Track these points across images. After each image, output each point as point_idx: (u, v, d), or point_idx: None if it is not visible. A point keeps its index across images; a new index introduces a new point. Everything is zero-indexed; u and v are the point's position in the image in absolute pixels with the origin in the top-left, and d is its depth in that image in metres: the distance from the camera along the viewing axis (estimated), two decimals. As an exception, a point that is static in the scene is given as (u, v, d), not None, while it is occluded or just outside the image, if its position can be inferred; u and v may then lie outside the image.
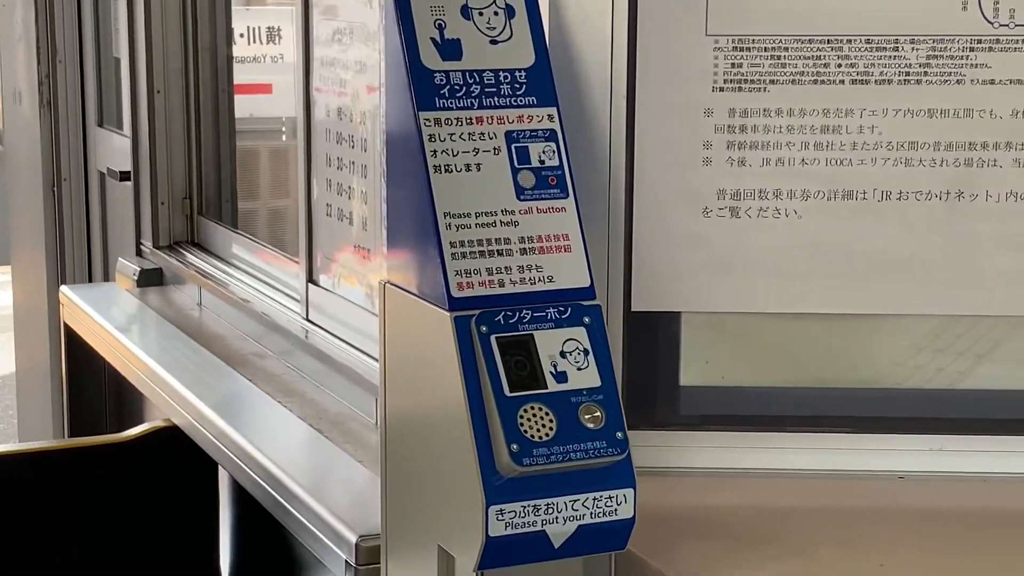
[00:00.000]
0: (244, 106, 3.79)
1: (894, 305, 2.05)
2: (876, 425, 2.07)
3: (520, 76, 1.71)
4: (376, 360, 1.88)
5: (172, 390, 2.75)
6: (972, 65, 2.00)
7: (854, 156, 2.01)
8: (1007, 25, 1.99)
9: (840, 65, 2.00)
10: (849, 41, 2.00)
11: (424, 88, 1.67)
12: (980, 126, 2.01)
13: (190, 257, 3.50)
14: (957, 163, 2.01)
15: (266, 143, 3.85)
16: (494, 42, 1.72)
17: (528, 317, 1.65)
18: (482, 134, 1.68)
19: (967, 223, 2.02)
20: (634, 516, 1.64)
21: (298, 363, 2.84)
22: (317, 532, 2.09)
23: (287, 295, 3.00)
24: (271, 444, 2.39)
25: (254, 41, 4.07)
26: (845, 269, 2.03)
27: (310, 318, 2.84)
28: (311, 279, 2.84)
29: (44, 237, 4.43)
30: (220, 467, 2.69)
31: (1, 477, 2.68)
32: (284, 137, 3.89)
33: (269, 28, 4.08)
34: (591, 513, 1.62)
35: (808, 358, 2.12)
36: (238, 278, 3.25)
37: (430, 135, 1.66)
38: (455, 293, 1.63)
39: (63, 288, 3.57)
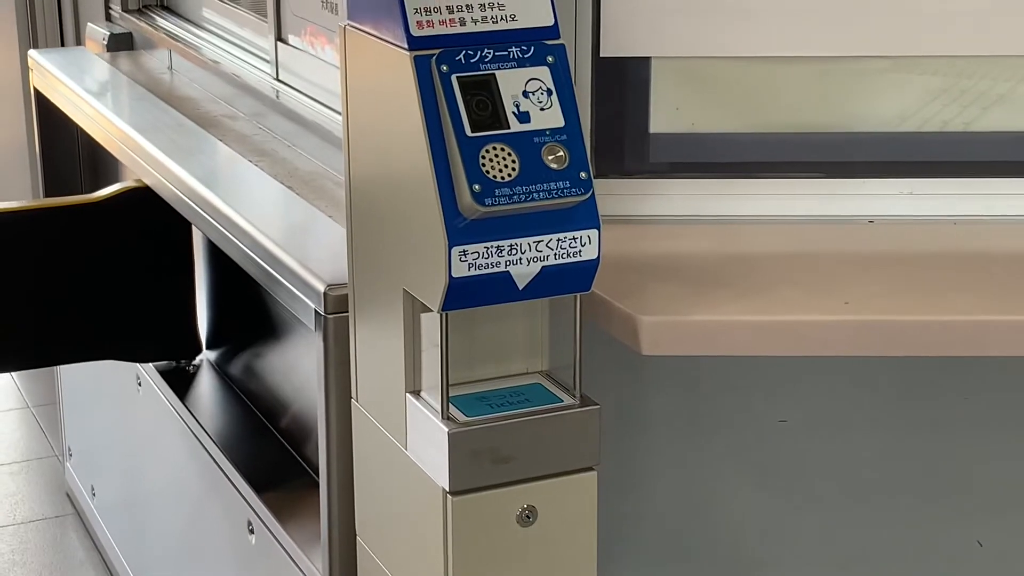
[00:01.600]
0: None
1: (867, 47, 2.01)
2: (846, 170, 2.06)
3: None
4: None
5: (144, 152, 2.73)
6: None
7: None
8: None
9: None
10: None
11: None
12: None
13: (160, 20, 3.44)
14: None
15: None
16: None
17: (490, 56, 1.62)
18: None
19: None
20: (598, 257, 1.65)
21: (269, 124, 2.81)
22: (288, 285, 2.09)
23: (257, 56, 2.96)
24: (243, 202, 2.38)
25: None
26: (819, 10, 2.00)
27: (280, 78, 2.81)
28: (280, 38, 2.79)
29: (14, 4, 4.35)
30: (193, 227, 2.69)
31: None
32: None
33: None
34: (555, 254, 1.63)
35: (779, 103, 2.10)
36: (208, 40, 3.19)
37: None
38: (415, 32, 1.60)
39: (32, 53, 3.50)
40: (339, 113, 1.86)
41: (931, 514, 2.21)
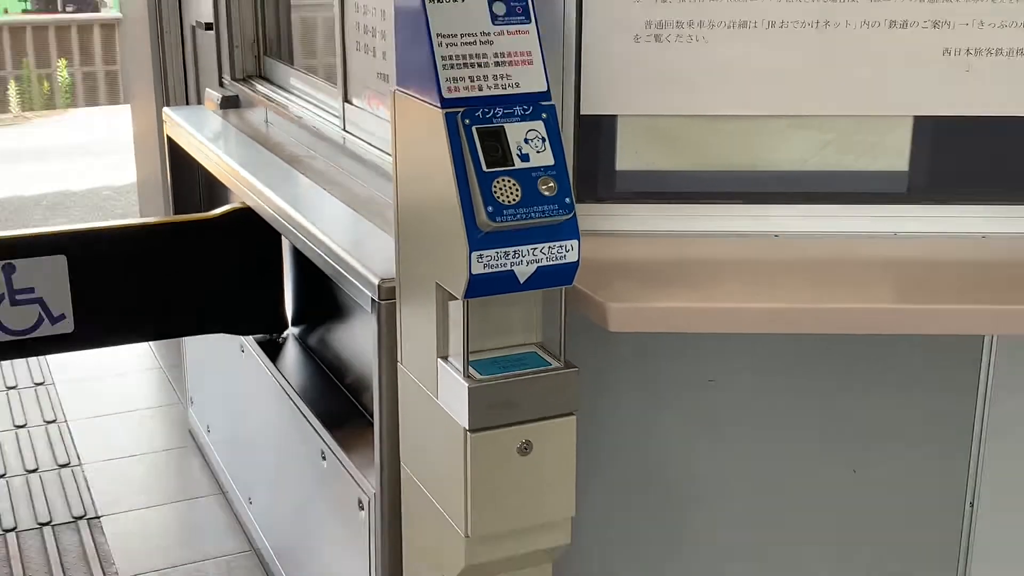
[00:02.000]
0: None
1: (779, 107, 2.00)
2: (761, 198, 2.04)
3: (492, -74, 1.65)
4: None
5: (247, 182, 2.72)
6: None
7: (747, -5, 1.96)
8: None
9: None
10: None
11: (420, -63, 1.62)
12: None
13: (259, 87, 3.44)
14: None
15: (322, 15, 3.71)
16: (473, -99, 1.65)
17: (500, 113, 1.63)
18: (464, -28, 1.63)
19: (832, 44, 1.97)
20: (578, 260, 1.65)
21: (338, 162, 2.81)
22: (352, 280, 2.09)
23: (331, 112, 2.96)
24: (319, 218, 2.38)
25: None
26: (741, 79, 1.98)
27: (347, 129, 2.80)
28: (347, 99, 2.79)
29: (152, 75, 4.35)
30: (283, 236, 2.69)
31: (124, 243, 2.68)
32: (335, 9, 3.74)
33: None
34: (547, 258, 1.63)
35: (712, 149, 2.08)
36: (294, 101, 3.19)
37: (425, -28, 1.61)
38: (446, 95, 1.61)
39: (166, 109, 3.51)
40: (389, 154, 1.86)
41: (818, 448, 2.21)
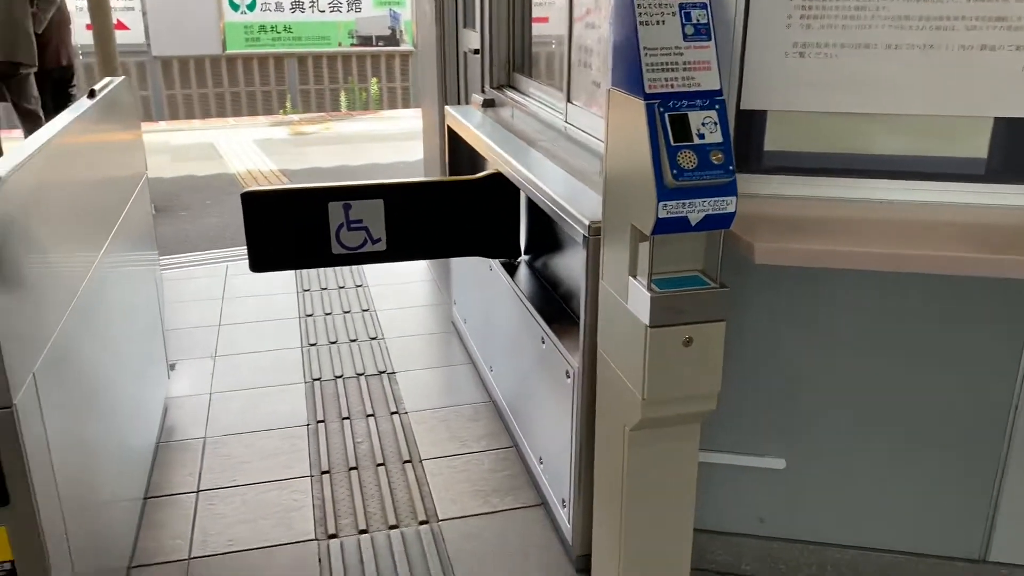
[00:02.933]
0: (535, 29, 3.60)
1: (890, 107, 1.85)
2: (873, 174, 1.91)
3: (689, -29, 1.58)
4: (601, 142, 1.82)
5: (499, 155, 2.73)
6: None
7: (872, 24, 1.79)
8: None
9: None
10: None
11: (636, -22, 1.56)
12: (944, 7, 1.76)
13: (508, 92, 3.43)
14: (930, 28, 1.78)
15: (544, 49, 3.66)
16: (675, -48, 1.58)
17: (685, 104, 1.57)
18: (667, 4, 1.56)
19: (935, 64, 1.79)
20: (735, 211, 1.58)
21: (560, 144, 2.78)
22: (571, 222, 2.08)
23: (556, 109, 2.93)
24: (547, 180, 2.36)
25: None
26: (862, 86, 1.84)
27: (568, 121, 2.77)
28: (569, 100, 2.76)
29: (437, 87, 4.41)
30: (521, 191, 2.69)
31: (420, 193, 2.71)
32: (553, 45, 3.70)
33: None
34: (711, 207, 1.57)
35: (837, 137, 1.95)
36: (532, 101, 3.18)
37: (638, 4, 1.55)
38: (648, 91, 1.56)
39: (447, 107, 3.55)
40: (598, 139, 1.83)
41: (899, 357, 2.06)
